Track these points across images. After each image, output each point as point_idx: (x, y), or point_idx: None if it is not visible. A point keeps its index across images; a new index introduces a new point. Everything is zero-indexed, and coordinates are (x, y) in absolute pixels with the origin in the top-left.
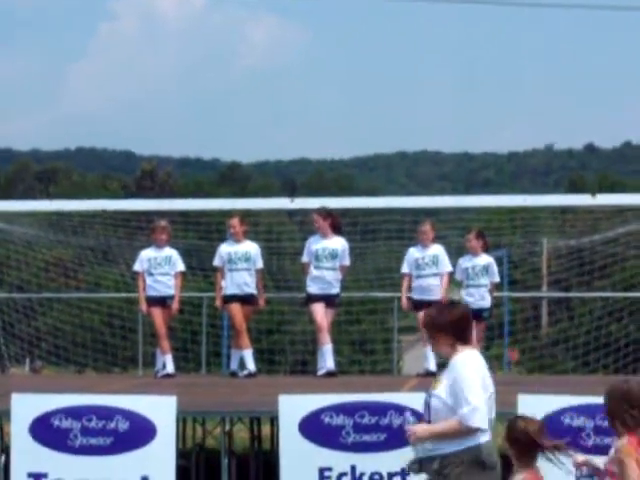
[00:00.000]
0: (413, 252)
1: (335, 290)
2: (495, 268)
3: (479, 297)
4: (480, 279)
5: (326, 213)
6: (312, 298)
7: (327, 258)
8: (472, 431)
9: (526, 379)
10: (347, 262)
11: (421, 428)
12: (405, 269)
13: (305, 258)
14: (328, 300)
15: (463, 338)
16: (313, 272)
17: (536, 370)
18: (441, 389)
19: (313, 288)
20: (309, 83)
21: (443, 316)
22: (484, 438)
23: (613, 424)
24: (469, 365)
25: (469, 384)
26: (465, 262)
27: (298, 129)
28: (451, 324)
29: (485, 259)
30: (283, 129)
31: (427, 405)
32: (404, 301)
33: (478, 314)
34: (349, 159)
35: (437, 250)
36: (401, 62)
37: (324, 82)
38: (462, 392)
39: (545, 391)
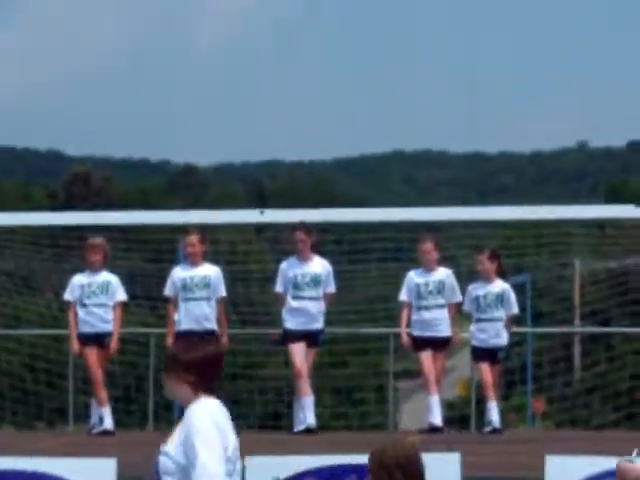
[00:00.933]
0: (413, 277)
1: (318, 325)
2: (513, 297)
3: (493, 334)
4: (494, 311)
5: (308, 229)
6: (290, 336)
7: (309, 285)
8: None
9: (555, 435)
10: (332, 288)
11: None
12: (404, 296)
13: (279, 288)
14: (310, 338)
15: (208, 385)
16: (292, 303)
17: (567, 424)
18: (172, 445)
19: (291, 323)
20: (282, 68)
21: (191, 353)
22: None
23: None
24: (207, 416)
25: (204, 438)
26: (476, 290)
27: (268, 124)
28: (199, 364)
29: (499, 286)
30: (249, 124)
31: (156, 465)
32: (404, 337)
33: (492, 355)
34: (331, 160)
35: (443, 275)
36: (397, 43)
37: (300, 67)
38: (194, 449)
39: (579, 451)
